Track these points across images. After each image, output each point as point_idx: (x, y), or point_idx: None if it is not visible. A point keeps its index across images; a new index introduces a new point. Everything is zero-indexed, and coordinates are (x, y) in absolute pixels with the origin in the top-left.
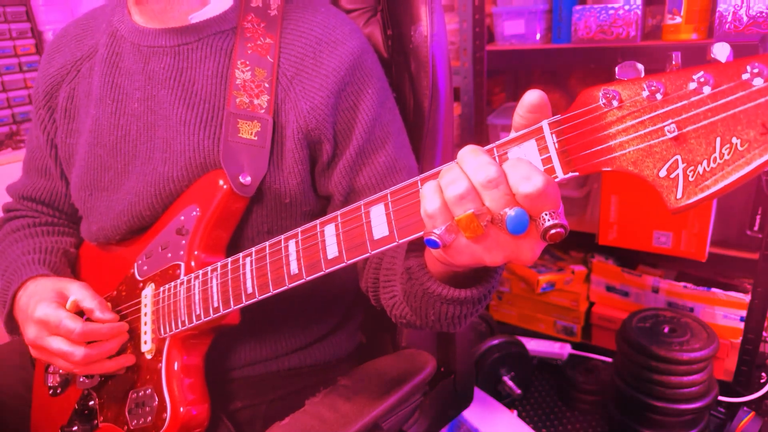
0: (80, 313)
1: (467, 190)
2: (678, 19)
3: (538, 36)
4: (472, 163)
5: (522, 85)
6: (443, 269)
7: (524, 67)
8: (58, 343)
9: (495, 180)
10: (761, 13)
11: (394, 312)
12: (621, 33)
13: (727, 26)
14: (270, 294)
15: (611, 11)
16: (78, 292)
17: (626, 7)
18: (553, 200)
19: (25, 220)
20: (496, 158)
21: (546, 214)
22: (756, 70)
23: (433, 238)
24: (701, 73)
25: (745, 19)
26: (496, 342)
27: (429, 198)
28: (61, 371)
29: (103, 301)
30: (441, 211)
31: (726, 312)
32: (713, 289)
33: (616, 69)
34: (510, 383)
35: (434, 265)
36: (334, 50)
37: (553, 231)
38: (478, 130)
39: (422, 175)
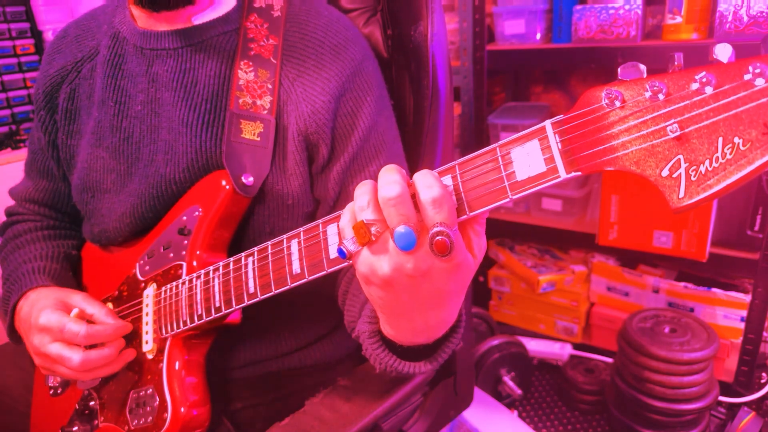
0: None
1: (368, 201)
2: (678, 19)
3: (538, 36)
4: (381, 179)
5: (522, 85)
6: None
7: (524, 67)
8: (57, 348)
9: (394, 198)
10: (761, 12)
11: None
12: (621, 33)
13: (727, 26)
14: (272, 294)
15: (611, 11)
16: (81, 303)
17: (626, 7)
18: (449, 211)
19: (27, 225)
20: (499, 158)
21: (438, 225)
22: (758, 71)
23: (341, 247)
24: (703, 73)
25: (745, 18)
26: (496, 342)
27: (344, 215)
28: None
29: (109, 309)
30: (348, 229)
31: (726, 312)
32: (713, 289)
33: (619, 69)
34: (510, 383)
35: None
36: (336, 55)
37: (438, 238)
38: (478, 130)
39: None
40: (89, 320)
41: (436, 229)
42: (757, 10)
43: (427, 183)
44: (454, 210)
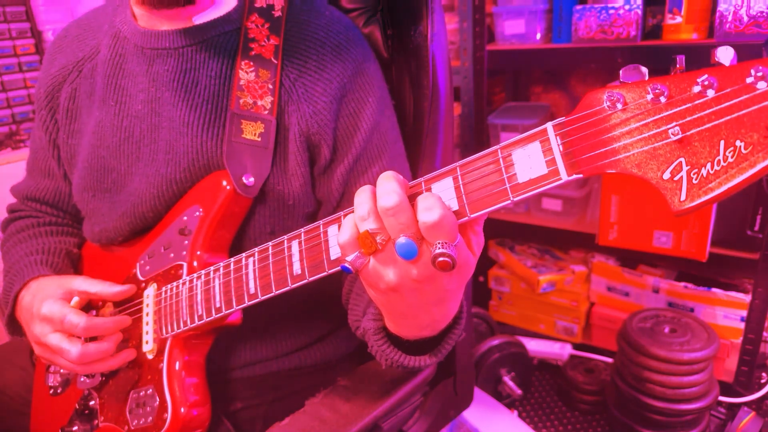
0: (86, 309)
1: (369, 211)
2: (678, 19)
3: (538, 36)
4: (379, 188)
5: (522, 85)
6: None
7: (524, 67)
8: (57, 340)
9: (393, 208)
10: (761, 12)
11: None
12: (621, 33)
13: (727, 26)
14: (272, 294)
15: (611, 11)
16: (82, 284)
17: (626, 7)
18: (449, 232)
19: (29, 221)
20: (500, 160)
21: (439, 243)
22: (760, 74)
23: (346, 265)
24: (705, 76)
25: (745, 18)
26: (496, 342)
27: (343, 230)
28: (61, 371)
29: (110, 282)
30: (350, 243)
31: (726, 312)
32: (713, 289)
33: (621, 72)
34: (510, 383)
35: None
36: (337, 55)
37: (440, 259)
38: (478, 130)
39: (426, 177)
40: (93, 300)
41: (437, 251)
42: (757, 10)
43: (427, 205)
44: (454, 229)
